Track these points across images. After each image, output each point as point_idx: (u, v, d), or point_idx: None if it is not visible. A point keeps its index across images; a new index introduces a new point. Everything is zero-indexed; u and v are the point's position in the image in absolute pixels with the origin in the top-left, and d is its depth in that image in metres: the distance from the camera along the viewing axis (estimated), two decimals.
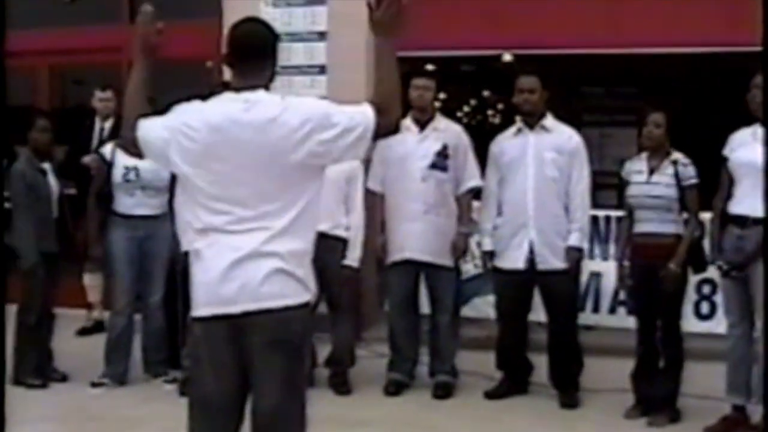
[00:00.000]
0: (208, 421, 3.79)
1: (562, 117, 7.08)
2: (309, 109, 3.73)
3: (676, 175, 6.30)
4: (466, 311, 8.04)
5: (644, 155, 6.50)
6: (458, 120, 12.72)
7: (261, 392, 3.73)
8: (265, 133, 3.65)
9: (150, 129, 3.83)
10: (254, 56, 3.84)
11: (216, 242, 3.71)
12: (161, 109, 3.93)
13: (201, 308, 3.75)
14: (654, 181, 6.37)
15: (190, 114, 3.80)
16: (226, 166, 3.68)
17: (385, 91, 3.77)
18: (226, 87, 3.92)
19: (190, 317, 3.91)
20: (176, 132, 3.75)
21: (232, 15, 8.13)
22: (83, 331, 9.13)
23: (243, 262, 3.66)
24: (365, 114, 3.71)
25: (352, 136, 3.69)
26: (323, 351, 7.16)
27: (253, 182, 3.66)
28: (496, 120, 16.59)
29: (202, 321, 3.76)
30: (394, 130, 3.81)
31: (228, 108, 3.74)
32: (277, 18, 8.69)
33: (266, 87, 3.82)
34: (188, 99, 3.92)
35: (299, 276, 3.72)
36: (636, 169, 6.49)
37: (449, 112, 10.58)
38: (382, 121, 3.71)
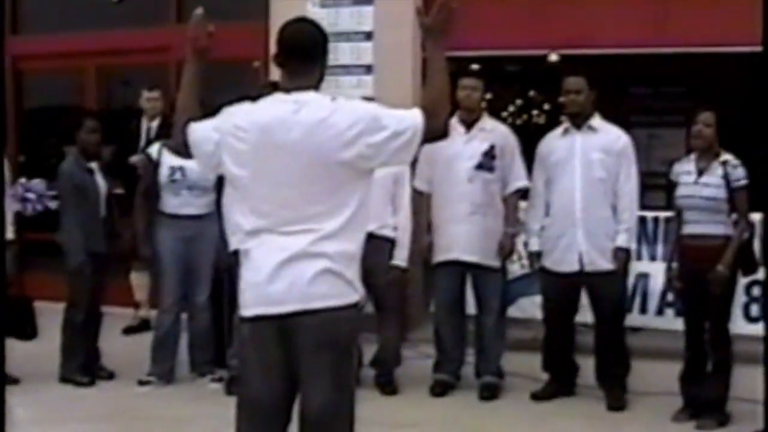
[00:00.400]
0: (255, 421, 3.80)
1: (608, 118, 7.03)
2: (359, 111, 3.73)
3: (726, 176, 6.24)
4: (512, 312, 7.98)
5: (693, 156, 6.44)
6: (503, 120, 12.69)
7: (309, 393, 3.73)
8: (314, 134, 3.65)
9: (200, 131, 3.86)
10: (304, 57, 3.84)
11: (265, 242, 3.72)
12: (211, 111, 3.94)
13: (249, 308, 3.77)
14: (703, 182, 6.31)
15: (239, 115, 3.81)
16: (276, 167, 3.68)
17: (434, 96, 3.77)
18: (274, 87, 3.92)
19: (237, 317, 3.92)
20: (226, 133, 3.77)
21: (279, 16, 8.17)
22: (129, 330, 9.19)
23: (291, 263, 3.66)
24: (414, 118, 3.69)
25: (401, 140, 3.69)
26: (369, 351, 7.14)
27: (302, 183, 3.66)
28: (542, 120, 16.51)
29: (250, 321, 3.77)
30: (443, 134, 3.80)
31: (277, 109, 3.75)
32: (323, 18, 8.68)
33: (316, 87, 3.82)
34: (236, 100, 3.93)
35: (347, 277, 3.72)
36: (684, 170, 6.43)
37: (494, 113, 10.54)
38: (430, 125, 3.70)
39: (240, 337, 3.93)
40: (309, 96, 3.76)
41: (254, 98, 3.90)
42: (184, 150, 3.92)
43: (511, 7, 9.11)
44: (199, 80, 4.01)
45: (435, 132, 3.73)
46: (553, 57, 10.16)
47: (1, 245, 5.18)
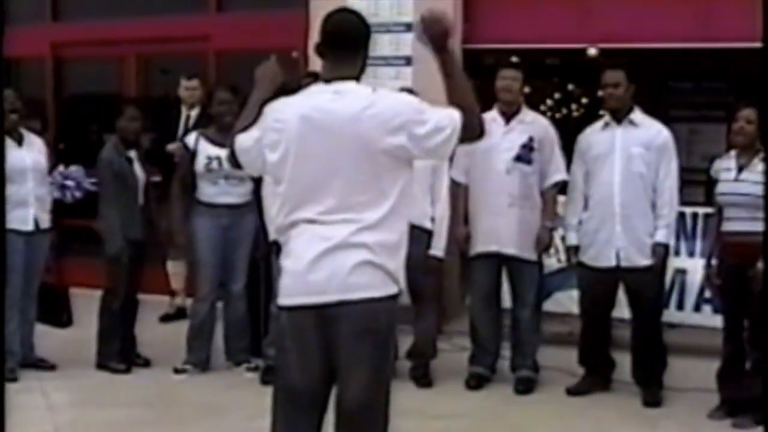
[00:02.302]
0: (293, 409, 3.83)
1: (648, 112, 6.99)
2: (401, 103, 3.75)
3: (766, 172, 6.18)
4: (548, 306, 7.97)
5: (733, 153, 6.40)
6: (542, 114, 12.63)
7: (347, 382, 3.75)
8: (354, 123, 3.67)
9: (244, 136, 3.93)
10: (346, 47, 3.87)
11: (305, 232, 3.75)
12: (245, 98, 3.97)
13: (288, 297, 3.79)
14: (743, 179, 6.26)
15: (279, 108, 3.86)
16: (316, 157, 3.71)
17: (460, 101, 3.77)
18: (314, 77, 3.94)
19: (275, 306, 3.93)
20: (267, 129, 3.84)
21: (318, 6, 8.17)
22: (166, 318, 9.23)
23: (332, 252, 3.69)
24: (453, 117, 3.72)
25: (441, 136, 3.71)
26: (405, 343, 7.13)
27: (342, 173, 3.68)
28: (580, 114, 16.47)
29: (290, 310, 3.79)
30: (480, 134, 3.82)
31: (317, 99, 3.78)
32: (363, 9, 8.57)
33: (357, 78, 3.85)
34: (276, 90, 3.95)
35: (388, 268, 3.75)
36: (724, 166, 6.39)
37: (533, 106, 10.52)
38: (467, 123, 3.72)
39: (278, 326, 3.95)
40: (349, 86, 3.79)
41: (295, 89, 3.92)
42: (233, 160, 4.01)
43: (551, 1, 9.07)
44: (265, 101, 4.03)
45: (472, 131, 3.75)
46: (592, 51, 10.11)
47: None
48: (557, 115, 16.22)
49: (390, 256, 3.75)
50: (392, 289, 3.77)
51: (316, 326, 3.72)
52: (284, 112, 3.81)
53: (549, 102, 16.37)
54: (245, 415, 6.20)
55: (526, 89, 7.49)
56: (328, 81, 3.83)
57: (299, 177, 3.74)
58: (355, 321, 3.69)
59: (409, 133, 3.66)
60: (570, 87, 16.41)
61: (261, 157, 3.87)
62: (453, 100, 3.77)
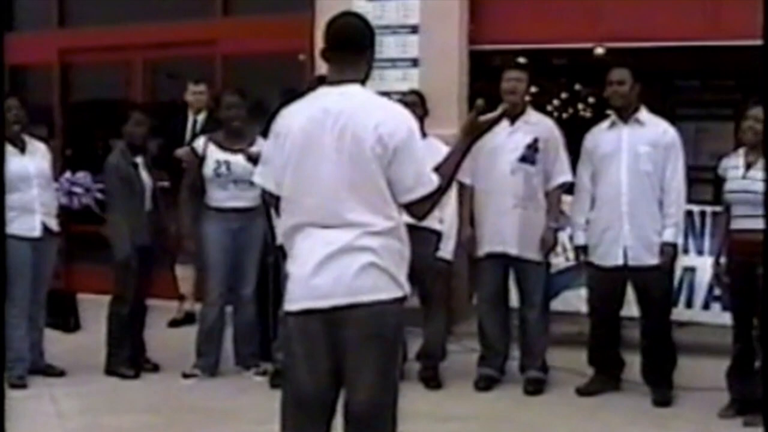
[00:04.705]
0: (301, 414, 3.83)
1: (655, 111, 6.98)
2: (403, 117, 3.80)
3: (766, 170, 6.16)
4: (557, 305, 7.96)
5: (741, 151, 6.39)
6: (549, 114, 12.61)
7: (354, 386, 3.76)
8: (356, 126, 3.68)
9: (262, 164, 4.01)
10: (350, 50, 3.87)
11: (310, 236, 3.75)
12: (254, 103, 3.98)
13: (295, 302, 3.79)
14: (751, 177, 6.24)
15: (285, 115, 3.90)
16: (319, 160, 3.71)
17: (448, 177, 3.85)
18: (321, 81, 3.95)
19: (283, 311, 3.93)
20: (276, 135, 3.87)
21: (325, 8, 8.17)
22: (174, 323, 9.24)
23: (336, 256, 3.69)
24: (432, 179, 3.77)
25: (411, 174, 3.73)
26: (414, 345, 7.14)
27: (346, 176, 3.69)
28: (588, 114, 16.47)
29: (296, 315, 3.79)
30: (423, 216, 3.85)
31: (322, 101, 3.79)
32: (369, 11, 8.68)
33: (362, 82, 3.87)
34: (282, 93, 3.97)
35: (392, 272, 3.75)
36: (732, 164, 6.38)
37: (540, 106, 10.50)
38: (431, 197, 3.77)
39: (286, 331, 3.95)
40: (354, 89, 3.80)
41: (303, 93, 3.94)
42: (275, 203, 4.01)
43: (558, 1, 9.07)
44: None
45: (425, 206, 3.80)
46: (599, 50, 10.10)
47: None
48: (564, 115, 16.24)
49: (394, 262, 3.75)
50: (398, 292, 3.77)
51: (323, 330, 3.73)
52: (289, 116, 3.84)
53: (556, 102, 16.38)
54: (255, 419, 6.19)
55: (533, 89, 7.47)
56: (333, 84, 3.84)
57: (303, 180, 3.75)
58: (362, 324, 3.70)
59: (396, 146, 3.68)
60: (577, 87, 16.40)
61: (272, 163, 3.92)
62: (444, 172, 3.83)
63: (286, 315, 3.86)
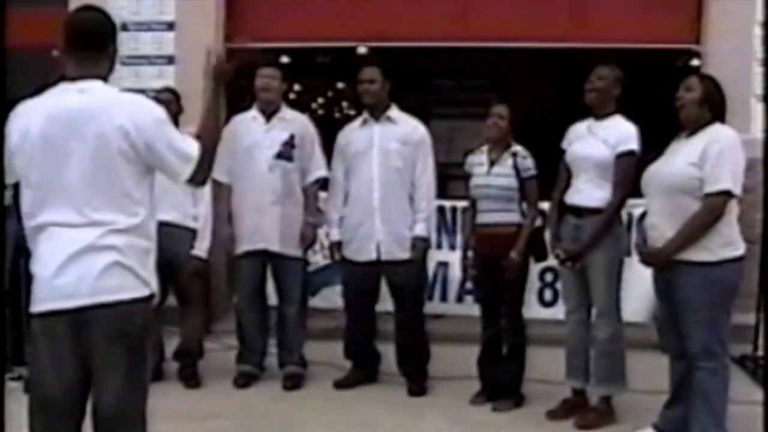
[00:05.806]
0: (49, 417, 3.77)
1: (412, 109, 7.13)
2: (145, 107, 3.76)
3: (515, 166, 6.41)
4: (316, 302, 8.06)
5: (485, 148, 6.60)
6: (314, 112, 12.72)
7: (102, 387, 3.72)
8: (96, 123, 3.65)
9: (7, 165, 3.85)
10: (90, 46, 3.82)
11: (53, 236, 3.69)
12: (10, 102, 3.89)
13: (39, 303, 3.73)
14: (495, 173, 6.46)
15: (23, 110, 3.80)
16: (61, 157, 3.66)
17: (211, 133, 3.92)
18: (64, 78, 3.88)
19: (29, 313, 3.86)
20: (11, 132, 3.76)
21: (78, 2, 8.00)
22: None
23: (80, 256, 3.64)
24: (193, 147, 3.80)
25: (173, 157, 3.77)
26: (171, 344, 7.11)
27: (87, 174, 3.65)
28: (352, 112, 16.61)
29: (41, 317, 3.72)
30: (203, 181, 3.91)
31: (61, 98, 3.73)
32: (125, 7, 8.61)
33: (104, 78, 3.81)
34: (35, 91, 3.89)
35: (137, 270, 3.72)
36: (477, 161, 6.59)
37: (305, 104, 10.58)
38: (203, 159, 3.81)
39: (32, 334, 3.87)
40: (95, 85, 3.76)
41: (43, 89, 3.87)
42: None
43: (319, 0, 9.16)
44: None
45: (202, 169, 3.84)
46: (362, 50, 10.25)
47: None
48: (329, 113, 16.34)
49: (140, 260, 3.73)
50: (145, 291, 3.76)
51: (69, 331, 3.67)
52: (28, 113, 3.75)
53: (320, 100, 16.48)
54: (9, 426, 6.02)
55: (297, 88, 7.53)
56: (73, 80, 3.78)
57: (45, 179, 3.69)
58: (107, 325, 3.66)
59: (146, 140, 3.68)
60: (340, 85, 16.54)
61: (12, 161, 3.80)
62: (202, 131, 3.89)
63: (31, 317, 3.78)
